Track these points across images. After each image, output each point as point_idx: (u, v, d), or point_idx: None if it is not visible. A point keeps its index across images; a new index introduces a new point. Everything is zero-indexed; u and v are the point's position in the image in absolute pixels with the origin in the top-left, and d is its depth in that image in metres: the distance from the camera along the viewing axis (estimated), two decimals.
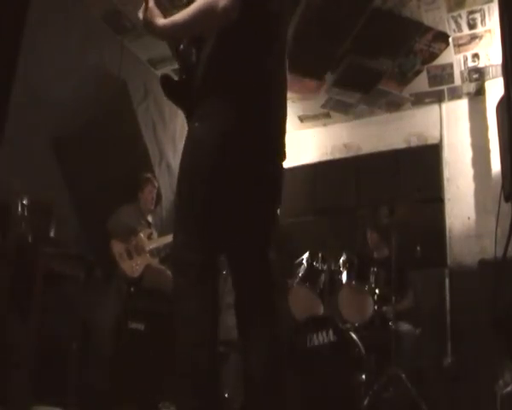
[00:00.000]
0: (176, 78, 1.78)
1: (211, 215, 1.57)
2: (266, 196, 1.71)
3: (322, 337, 3.15)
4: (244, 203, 1.62)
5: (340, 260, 3.55)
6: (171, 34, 1.67)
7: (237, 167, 1.58)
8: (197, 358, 1.48)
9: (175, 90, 1.75)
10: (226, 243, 1.65)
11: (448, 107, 4.84)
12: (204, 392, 1.47)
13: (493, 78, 4.37)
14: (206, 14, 1.53)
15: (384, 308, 3.38)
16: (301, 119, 5.38)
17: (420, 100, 4.84)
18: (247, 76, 1.60)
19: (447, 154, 4.73)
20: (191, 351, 1.49)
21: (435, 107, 4.88)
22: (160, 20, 1.64)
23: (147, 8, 1.65)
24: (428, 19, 3.76)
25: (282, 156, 1.76)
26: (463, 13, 3.66)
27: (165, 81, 1.72)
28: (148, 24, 1.64)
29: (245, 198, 1.62)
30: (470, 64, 4.24)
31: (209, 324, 1.51)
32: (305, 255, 3.66)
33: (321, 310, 3.50)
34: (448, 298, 4.28)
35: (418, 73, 4.40)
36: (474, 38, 3.91)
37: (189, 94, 1.67)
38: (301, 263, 3.65)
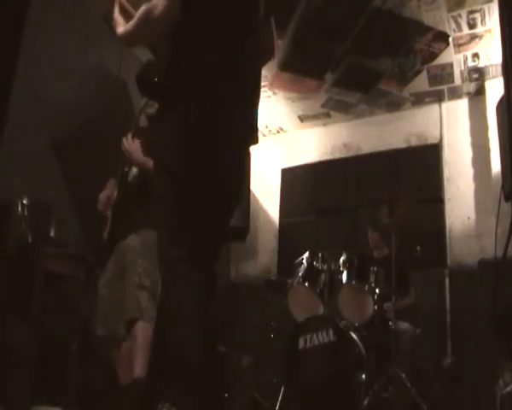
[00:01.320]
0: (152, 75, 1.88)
1: (191, 212, 1.60)
2: (227, 190, 1.73)
3: (322, 337, 3.15)
4: (213, 199, 1.66)
5: (340, 260, 3.55)
6: (128, 42, 1.80)
7: (204, 162, 1.62)
8: (190, 357, 1.48)
9: (148, 87, 1.83)
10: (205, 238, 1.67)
11: (448, 106, 4.83)
12: (198, 390, 1.47)
13: (493, 77, 4.37)
14: (144, 22, 1.64)
15: (386, 305, 3.38)
16: (301, 118, 5.38)
17: (420, 100, 4.84)
18: (202, 71, 1.64)
19: (447, 154, 4.73)
20: (183, 350, 1.49)
21: (435, 106, 4.88)
22: (120, 29, 1.76)
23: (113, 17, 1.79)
24: (428, 19, 3.75)
25: (252, 142, 1.77)
26: (463, 13, 3.66)
27: (140, 79, 1.86)
28: (115, 31, 1.77)
29: (213, 194, 1.65)
30: (470, 64, 4.24)
31: (200, 321, 1.52)
32: (305, 255, 3.66)
33: (321, 310, 3.50)
34: (448, 298, 4.27)
35: (418, 72, 4.40)
36: (474, 37, 3.91)
37: (160, 91, 1.76)
38: (301, 263, 3.65)
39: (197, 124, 1.62)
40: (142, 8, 1.64)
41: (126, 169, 2.74)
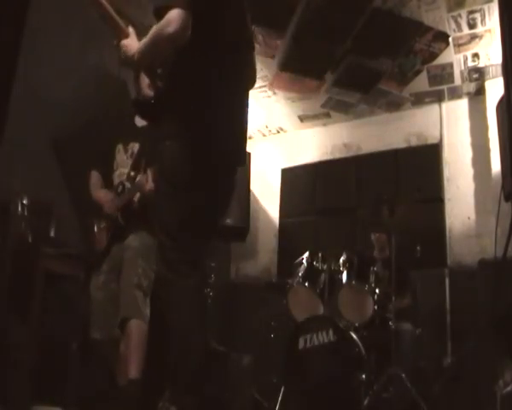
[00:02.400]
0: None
1: (191, 219, 1.68)
2: (221, 201, 1.83)
3: (322, 337, 3.15)
4: (209, 210, 1.75)
5: (340, 260, 3.55)
6: (140, 63, 1.79)
7: (208, 176, 1.71)
8: (190, 356, 1.50)
9: (145, 110, 1.89)
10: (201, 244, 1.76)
11: (448, 106, 4.83)
12: (197, 387, 1.48)
13: (493, 77, 4.37)
14: (157, 41, 1.67)
15: (389, 306, 3.37)
16: (301, 118, 5.38)
17: (420, 100, 4.84)
18: (199, 93, 1.71)
19: (447, 154, 4.73)
20: (184, 349, 1.51)
21: (435, 106, 4.88)
22: (132, 51, 1.77)
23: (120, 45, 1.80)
24: (428, 19, 3.75)
25: (243, 162, 1.89)
26: (463, 13, 3.66)
27: (136, 103, 1.91)
28: (128, 59, 1.78)
29: (210, 205, 1.75)
30: (470, 64, 4.24)
31: (201, 320, 1.54)
32: (305, 255, 3.66)
33: (321, 310, 3.50)
34: (448, 298, 4.28)
35: (418, 72, 4.39)
36: (474, 37, 3.91)
37: (157, 112, 1.81)
38: (301, 263, 3.65)
39: (198, 133, 1.68)
40: (155, 27, 1.66)
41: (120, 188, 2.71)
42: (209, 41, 1.70)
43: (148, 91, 2.31)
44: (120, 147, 2.83)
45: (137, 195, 2.62)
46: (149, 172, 2.57)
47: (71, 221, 3.38)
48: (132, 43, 1.78)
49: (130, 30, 1.83)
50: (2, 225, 2.59)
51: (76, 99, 3.47)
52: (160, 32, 1.64)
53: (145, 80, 2.49)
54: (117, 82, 3.91)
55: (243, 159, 1.87)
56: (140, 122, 2.84)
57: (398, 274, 3.36)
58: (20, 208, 2.70)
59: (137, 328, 2.38)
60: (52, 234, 2.97)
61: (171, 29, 1.60)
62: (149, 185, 2.55)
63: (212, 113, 1.70)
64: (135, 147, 2.76)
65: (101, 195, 2.80)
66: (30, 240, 2.74)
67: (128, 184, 2.67)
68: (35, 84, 3.12)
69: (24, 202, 2.75)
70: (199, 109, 1.69)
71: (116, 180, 2.76)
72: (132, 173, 2.64)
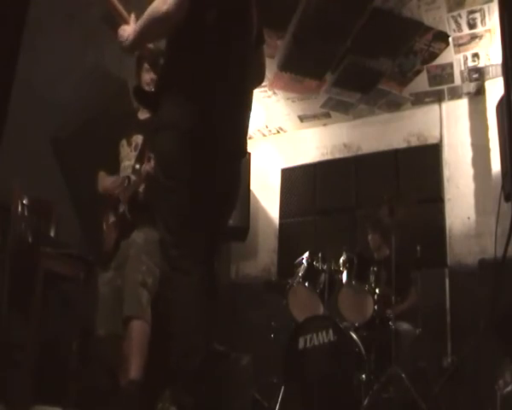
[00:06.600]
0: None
1: (192, 215, 1.65)
2: (224, 196, 1.79)
3: (322, 337, 3.16)
4: (210, 203, 1.71)
5: (340, 260, 3.55)
6: (138, 42, 1.79)
7: (203, 169, 1.68)
8: (191, 355, 1.49)
9: (144, 98, 1.90)
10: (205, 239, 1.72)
11: (448, 106, 4.83)
12: (197, 388, 1.48)
13: (493, 77, 4.37)
14: (151, 20, 1.66)
15: (388, 312, 3.37)
16: (301, 119, 5.38)
17: (420, 100, 4.84)
18: (197, 82, 1.68)
19: (447, 154, 4.73)
20: (185, 347, 1.51)
21: (435, 106, 4.88)
22: (128, 32, 1.78)
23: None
24: (428, 18, 3.75)
25: (243, 154, 1.84)
26: (463, 12, 3.66)
27: (136, 91, 1.92)
28: (123, 42, 1.79)
29: (210, 198, 1.71)
30: (470, 64, 4.24)
31: (201, 317, 1.53)
32: (305, 255, 3.66)
33: (321, 310, 3.50)
34: (448, 298, 4.28)
35: (418, 72, 4.40)
36: (474, 37, 3.91)
37: (157, 101, 1.78)
38: (301, 263, 3.65)
39: (196, 128, 1.65)
40: (150, 6, 1.65)
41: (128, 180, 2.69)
42: (207, 29, 1.68)
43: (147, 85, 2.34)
44: (124, 142, 2.80)
45: (142, 185, 2.59)
46: (153, 160, 2.54)
47: (71, 221, 3.39)
48: (129, 28, 1.79)
49: (132, 17, 1.84)
50: (2, 225, 2.59)
51: (76, 99, 3.48)
52: (154, 9, 1.63)
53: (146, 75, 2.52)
54: (117, 82, 3.91)
55: (243, 150, 1.83)
56: (142, 115, 2.83)
57: (400, 274, 3.36)
58: (20, 208, 2.70)
59: (139, 328, 2.38)
60: (52, 234, 2.97)
61: (165, 6, 1.59)
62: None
63: (208, 102, 1.67)
64: (138, 139, 2.73)
65: (107, 184, 2.74)
66: (30, 240, 2.74)
67: (133, 177, 2.65)
68: (35, 83, 3.12)
69: (24, 202, 2.75)
70: (194, 99, 1.67)
71: (122, 174, 2.74)
72: (137, 166, 2.61)
